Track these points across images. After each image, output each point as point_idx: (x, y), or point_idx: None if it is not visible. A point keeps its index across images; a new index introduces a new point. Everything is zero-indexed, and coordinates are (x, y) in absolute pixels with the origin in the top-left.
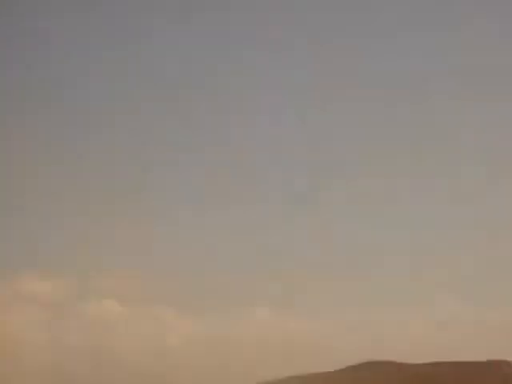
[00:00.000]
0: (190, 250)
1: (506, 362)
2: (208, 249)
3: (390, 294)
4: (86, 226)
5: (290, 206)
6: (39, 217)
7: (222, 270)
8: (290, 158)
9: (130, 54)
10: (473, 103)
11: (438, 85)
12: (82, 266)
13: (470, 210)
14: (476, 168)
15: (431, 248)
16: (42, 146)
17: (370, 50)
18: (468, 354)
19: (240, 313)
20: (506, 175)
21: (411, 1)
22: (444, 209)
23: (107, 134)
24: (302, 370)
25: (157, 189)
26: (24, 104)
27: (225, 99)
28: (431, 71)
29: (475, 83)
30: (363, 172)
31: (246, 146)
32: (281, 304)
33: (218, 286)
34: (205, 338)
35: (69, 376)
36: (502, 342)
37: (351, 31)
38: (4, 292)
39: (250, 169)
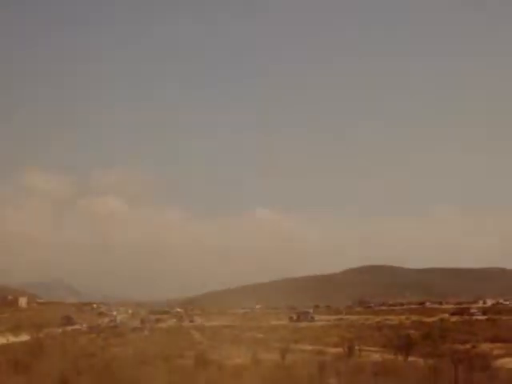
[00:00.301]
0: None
1: (501, 270)
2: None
3: (390, 202)
4: (87, 122)
5: None
6: (41, 114)
7: (225, 169)
8: None
9: None
10: None
11: None
12: (83, 163)
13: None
14: None
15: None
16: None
17: None
18: (464, 262)
19: (243, 214)
20: None
21: None
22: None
23: None
24: (302, 271)
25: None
26: None
27: None
28: None
29: None
30: None
31: None
32: (283, 207)
33: (219, 187)
34: (208, 237)
35: (68, 270)
36: (498, 250)
37: None
38: (6, 188)
39: None
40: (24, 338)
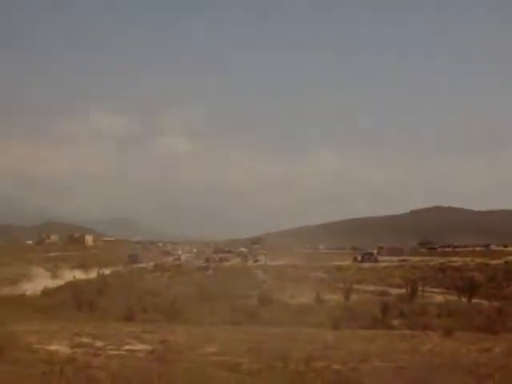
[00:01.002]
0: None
1: None
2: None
3: (459, 140)
4: (152, 62)
5: None
6: (105, 53)
7: (290, 109)
8: None
9: None
10: None
11: None
12: (148, 102)
13: None
14: None
15: None
16: None
17: None
18: None
19: (307, 154)
20: None
21: None
22: None
23: None
24: (366, 212)
25: None
26: None
27: None
28: None
29: None
30: None
31: None
32: (347, 148)
33: (284, 127)
34: (272, 177)
35: (134, 209)
36: None
37: None
38: (72, 126)
39: None
40: (90, 275)
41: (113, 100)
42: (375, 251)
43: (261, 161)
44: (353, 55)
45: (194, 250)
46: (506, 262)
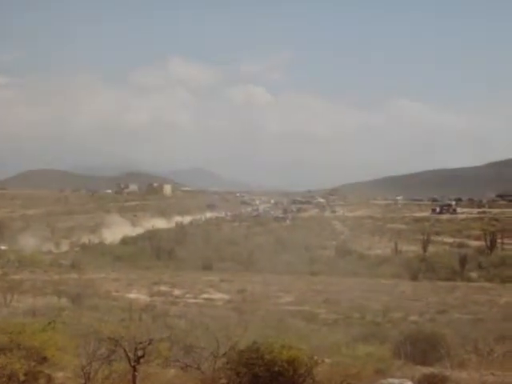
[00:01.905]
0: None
1: None
2: None
3: None
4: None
5: None
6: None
7: (367, 58)
8: None
9: None
10: None
11: None
12: (228, 52)
13: None
14: None
15: None
16: None
17: None
18: None
19: (385, 103)
20: None
21: None
22: None
23: None
24: (445, 163)
25: None
26: None
27: None
28: None
29: None
30: None
31: None
32: (426, 97)
33: (362, 76)
34: (350, 127)
35: (213, 159)
36: None
37: None
38: (154, 76)
39: None
40: (169, 224)
41: (191, 49)
42: (454, 203)
43: (339, 111)
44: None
45: (272, 201)
46: None
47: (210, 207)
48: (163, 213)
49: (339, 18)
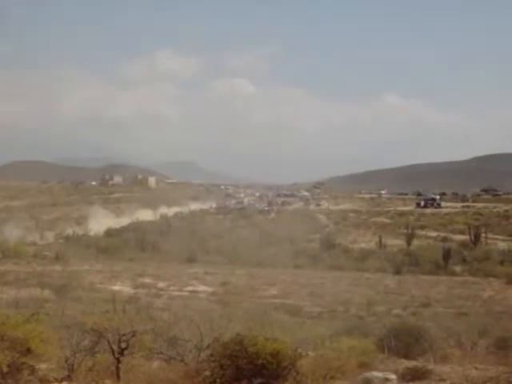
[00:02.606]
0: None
1: None
2: None
3: None
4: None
5: None
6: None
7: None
8: None
9: None
10: None
11: None
12: (213, 45)
13: None
14: None
15: None
16: None
17: None
18: None
19: (371, 98)
20: None
21: None
22: None
23: None
24: (430, 157)
25: None
26: None
27: None
28: None
29: None
30: None
31: None
32: (412, 92)
33: (347, 70)
34: (335, 121)
35: (197, 152)
36: None
37: None
38: (140, 70)
39: None
40: (153, 216)
41: (179, 42)
42: (438, 197)
43: (325, 105)
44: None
45: (257, 194)
46: None
47: (195, 199)
48: (147, 205)
49: (329, 12)
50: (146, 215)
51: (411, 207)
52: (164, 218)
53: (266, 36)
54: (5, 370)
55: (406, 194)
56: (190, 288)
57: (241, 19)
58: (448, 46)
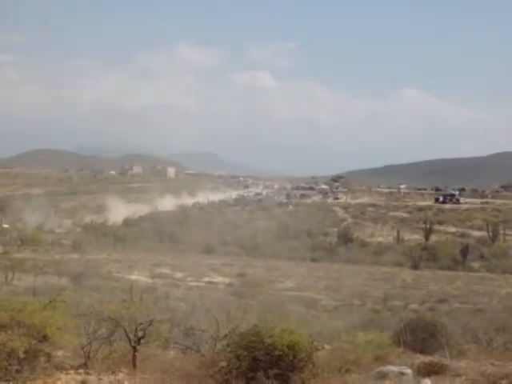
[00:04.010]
0: None
1: None
2: None
3: None
4: None
5: None
6: None
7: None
8: None
9: None
10: None
11: None
12: (236, 37)
13: None
14: None
15: None
16: None
17: None
18: None
19: (390, 93)
20: None
21: None
22: None
23: None
24: (450, 153)
25: None
26: None
27: None
28: None
29: None
30: None
31: None
32: (431, 87)
33: (368, 65)
34: (354, 115)
35: (218, 143)
36: None
37: None
38: (162, 60)
39: None
40: (169, 206)
41: (200, 33)
42: (457, 193)
43: (346, 99)
44: None
45: (275, 186)
46: None
47: (214, 190)
48: (166, 195)
49: (348, 8)
50: (164, 205)
51: (430, 202)
52: (182, 208)
53: (288, 30)
54: (21, 356)
55: (425, 189)
56: (207, 279)
57: (264, 13)
58: (470, 42)
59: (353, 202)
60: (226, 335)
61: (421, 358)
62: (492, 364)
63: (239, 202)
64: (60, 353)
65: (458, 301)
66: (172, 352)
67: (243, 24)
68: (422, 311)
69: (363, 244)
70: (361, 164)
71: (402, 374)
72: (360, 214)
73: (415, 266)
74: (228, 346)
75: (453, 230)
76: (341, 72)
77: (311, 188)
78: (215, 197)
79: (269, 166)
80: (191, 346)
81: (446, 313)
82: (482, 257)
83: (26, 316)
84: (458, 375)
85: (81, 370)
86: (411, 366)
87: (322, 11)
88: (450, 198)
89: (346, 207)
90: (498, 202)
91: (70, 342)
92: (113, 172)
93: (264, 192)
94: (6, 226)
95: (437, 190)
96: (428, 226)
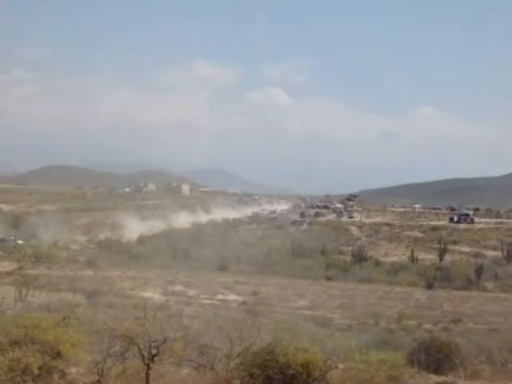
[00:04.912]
0: None
1: None
2: None
3: None
4: (255, 17)
5: None
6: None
7: (388, 65)
8: None
9: None
10: None
11: None
12: (251, 56)
13: None
14: None
15: None
16: None
17: None
18: None
19: (406, 110)
20: None
21: None
22: None
23: None
24: (463, 172)
25: None
26: None
27: None
28: None
29: None
30: None
31: None
32: (447, 105)
33: (383, 82)
34: (368, 133)
35: (232, 160)
36: None
37: None
38: (177, 76)
39: None
40: (183, 224)
41: (216, 51)
42: (471, 212)
43: (360, 118)
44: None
45: (290, 204)
46: None
47: (228, 208)
48: (180, 212)
49: (363, 26)
50: (178, 223)
51: (444, 222)
52: (196, 225)
53: (303, 48)
54: (36, 372)
55: (440, 209)
56: (220, 297)
57: (278, 31)
58: (486, 61)
59: (367, 221)
60: (239, 353)
61: (434, 378)
62: None
63: (253, 219)
64: (74, 370)
65: (472, 321)
66: (186, 370)
67: (258, 42)
68: (436, 331)
69: (377, 263)
70: (375, 181)
71: None
72: (374, 233)
73: (429, 286)
74: (242, 364)
75: (467, 249)
76: (355, 89)
77: (326, 207)
78: (229, 214)
79: (282, 184)
80: (205, 363)
81: (460, 333)
82: (496, 277)
83: (40, 332)
84: None
85: None
86: None
87: (337, 29)
88: (464, 217)
89: (360, 226)
90: None
91: (84, 358)
92: (127, 189)
93: (278, 210)
94: (20, 242)
95: (451, 209)
96: (442, 246)
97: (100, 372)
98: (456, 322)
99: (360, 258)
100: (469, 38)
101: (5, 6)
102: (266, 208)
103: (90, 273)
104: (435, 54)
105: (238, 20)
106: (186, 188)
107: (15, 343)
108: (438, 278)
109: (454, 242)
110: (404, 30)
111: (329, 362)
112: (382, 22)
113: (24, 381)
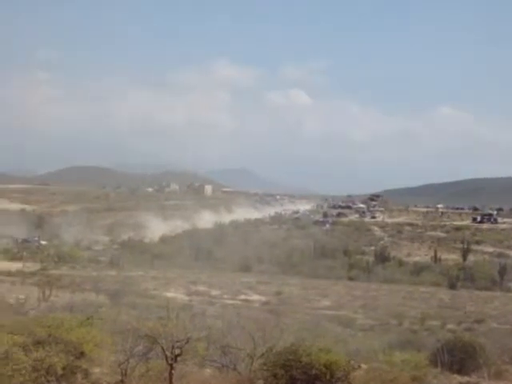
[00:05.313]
0: None
1: None
2: None
3: None
4: (277, 15)
5: None
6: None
7: (406, 64)
8: None
9: None
10: None
11: None
12: (272, 57)
13: None
14: None
15: None
16: None
17: None
18: None
19: (425, 111)
20: None
21: None
22: None
23: None
24: (487, 172)
25: None
26: None
27: None
28: None
29: None
30: None
31: None
32: (469, 105)
33: (401, 83)
34: (388, 134)
35: (255, 160)
36: None
37: None
38: (197, 77)
39: None
40: (206, 224)
41: (236, 52)
42: (495, 212)
43: (380, 118)
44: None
45: (313, 204)
46: None
47: (250, 208)
48: (203, 213)
49: (382, 27)
50: (201, 223)
51: (467, 222)
52: (219, 226)
53: (323, 49)
54: (59, 372)
55: (463, 209)
56: (243, 297)
57: (299, 32)
58: (507, 60)
59: (390, 221)
60: (262, 354)
61: (458, 379)
62: None
63: (276, 220)
64: (97, 369)
65: (495, 321)
66: (208, 370)
67: (279, 43)
68: (460, 331)
69: (400, 263)
70: (397, 181)
71: None
72: (397, 233)
73: (452, 286)
74: (265, 364)
75: (490, 249)
76: (376, 89)
77: (348, 207)
78: (252, 215)
79: (304, 184)
80: (228, 364)
81: (484, 333)
82: None
83: (64, 332)
84: None
85: None
86: None
87: (357, 30)
88: (487, 217)
89: (383, 226)
90: None
91: (107, 358)
92: (150, 189)
93: (301, 210)
94: (43, 242)
95: (474, 209)
96: (465, 246)
97: (123, 372)
98: (479, 322)
99: (383, 258)
100: (488, 39)
101: (24, 5)
102: (288, 208)
103: (112, 273)
104: (455, 53)
105: (258, 20)
106: (208, 188)
107: (39, 343)
108: (461, 278)
109: (478, 242)
110: (423, 33)
111: (352, 362)
112: (400, 25)
113: (48, 381)
